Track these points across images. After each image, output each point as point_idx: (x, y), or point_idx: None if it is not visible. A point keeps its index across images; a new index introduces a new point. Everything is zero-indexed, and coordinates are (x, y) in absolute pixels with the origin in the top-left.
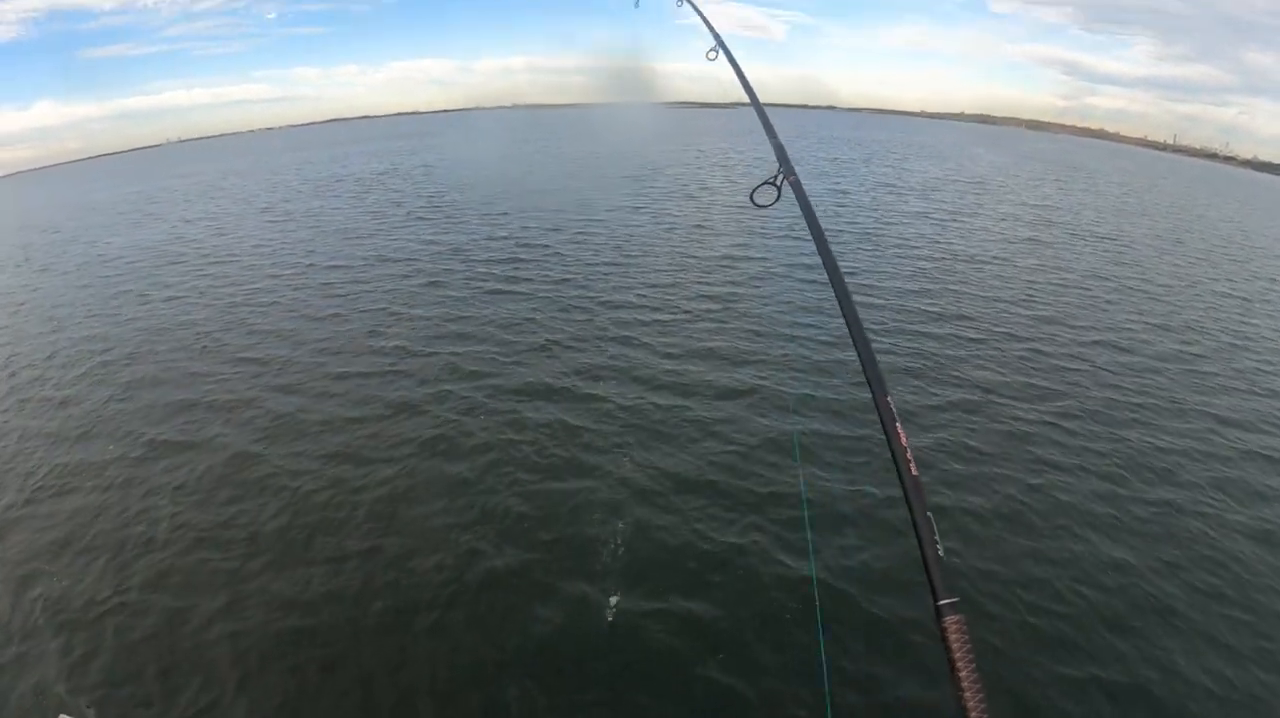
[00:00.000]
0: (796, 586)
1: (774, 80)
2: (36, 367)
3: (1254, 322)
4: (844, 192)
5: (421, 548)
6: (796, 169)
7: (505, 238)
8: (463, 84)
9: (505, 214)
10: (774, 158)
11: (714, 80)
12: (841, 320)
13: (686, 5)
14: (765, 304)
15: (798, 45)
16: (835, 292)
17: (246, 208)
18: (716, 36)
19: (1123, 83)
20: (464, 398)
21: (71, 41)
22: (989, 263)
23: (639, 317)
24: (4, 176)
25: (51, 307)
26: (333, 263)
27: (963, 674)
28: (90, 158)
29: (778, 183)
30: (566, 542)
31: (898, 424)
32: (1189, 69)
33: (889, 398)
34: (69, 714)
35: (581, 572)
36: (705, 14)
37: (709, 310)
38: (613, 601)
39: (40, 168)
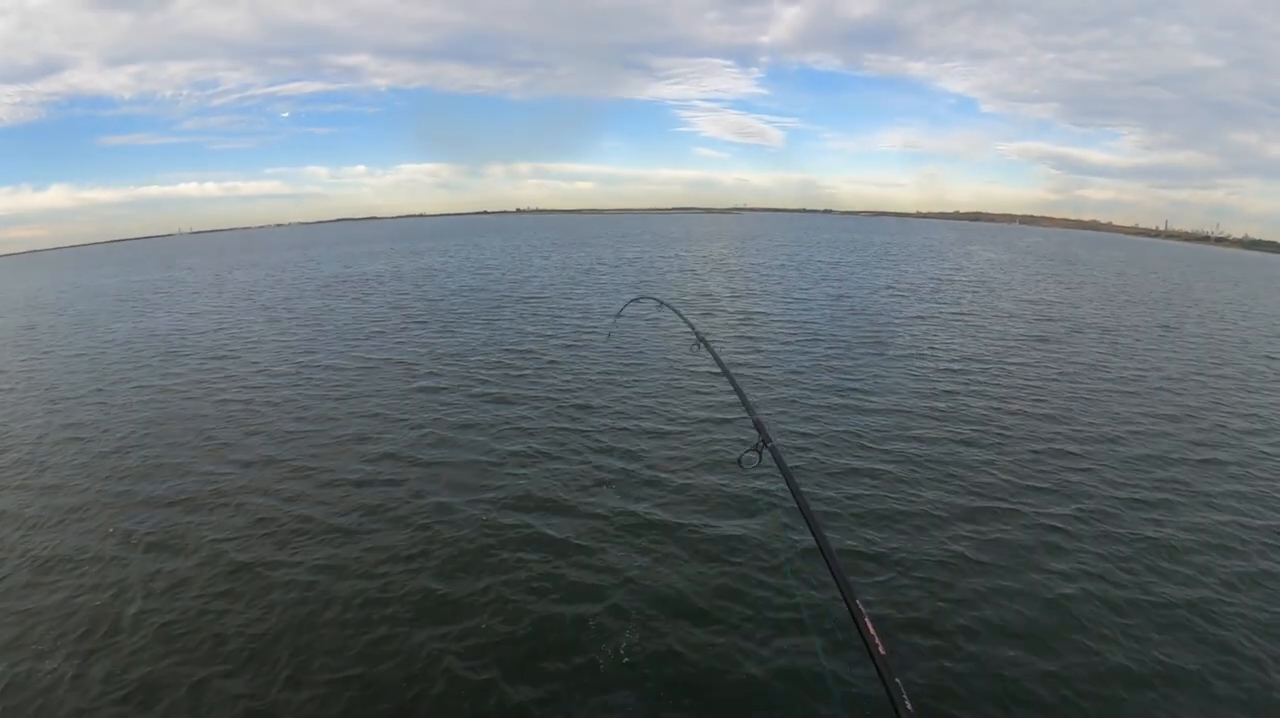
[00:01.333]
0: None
1: (773, 186)
2: (24, 450)
3: (1263, 406)
4: (845, 295)
5: (397, 672)
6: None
7: (503, 345)
8: (470, 188)
9: (506, 319)
10: (754, 430)
11: (709, 184)
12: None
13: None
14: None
15: (795, 150)
16: (814, 535)
17: (251, 303)
18: (697, 334)
19: (1112, 173)
20: (454, 511)
21: (91, 127)
22: (991, 363)
23: (639, 445)
24: (18, 254)
25: (48, 390)
26: (330, 364)
27: None
28: (102, 242)
29: (759, 449)
30: (559, 673)
31: (866, 619)
32: (1177, 155)
33: (858, 600)
34: None
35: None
36: (686, 316)
37: (708, 420)
38: None
39: (53, 248)
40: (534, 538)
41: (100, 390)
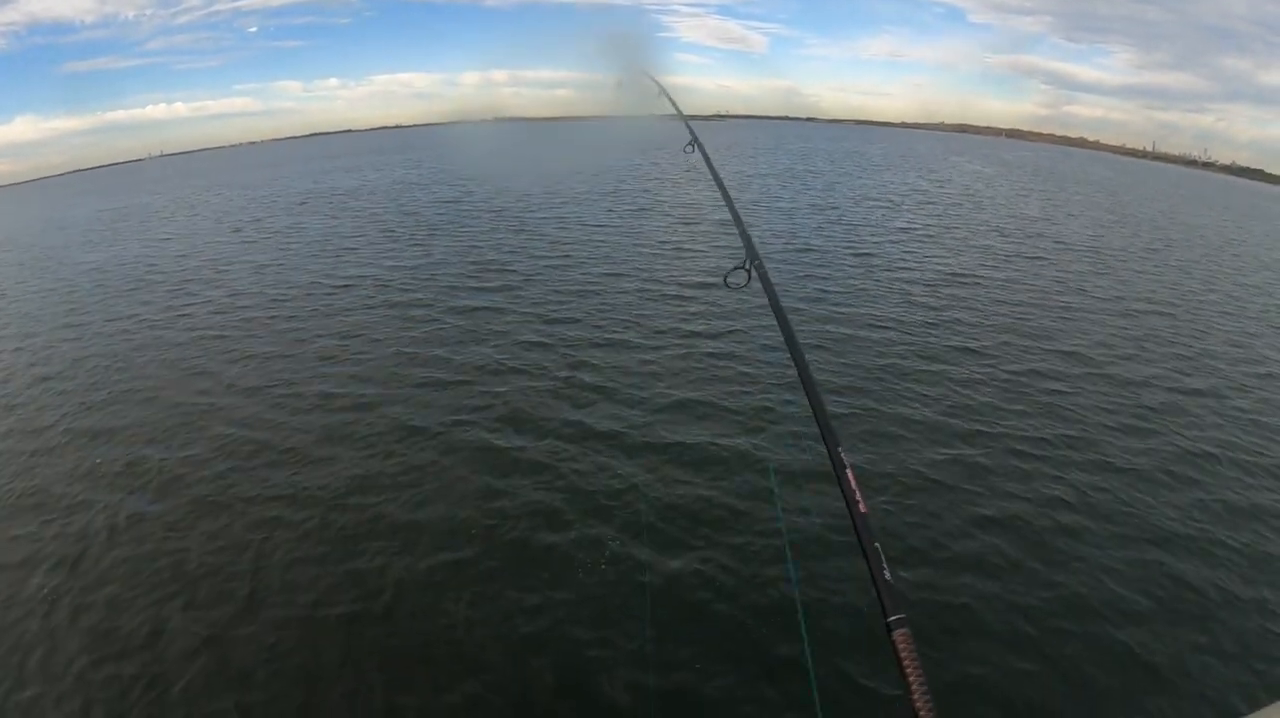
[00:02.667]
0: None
1: (756, 93)
2: None
3: (1250, 335)
4: (834, 207)
5: (368, 608)
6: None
7: (475, 261)
8: (445, 97)
9: (479, 232)
10: (742, 246)
11: (690, 91)
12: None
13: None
14: (746, 339)
15: (778, 57)
16: (795, 363)
17: (219, 226)
18: (693, 134)
19: (1102, 91)
20: (429, 433)
21: (52, 55)
22: (982, 282)
23: (616, 382)
24: None
25: (13, 330)
26: (301, 285)
27: (912, 681)
28: (72, 172)
29: (747, 268)
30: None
31: (848, 470)
32: (1168, 77)
33: (840, 449)
34: None
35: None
36: (684, 113)
37: (688, 344)
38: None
39: (21, 182)
40: (507, 465)
41: (68, 328)
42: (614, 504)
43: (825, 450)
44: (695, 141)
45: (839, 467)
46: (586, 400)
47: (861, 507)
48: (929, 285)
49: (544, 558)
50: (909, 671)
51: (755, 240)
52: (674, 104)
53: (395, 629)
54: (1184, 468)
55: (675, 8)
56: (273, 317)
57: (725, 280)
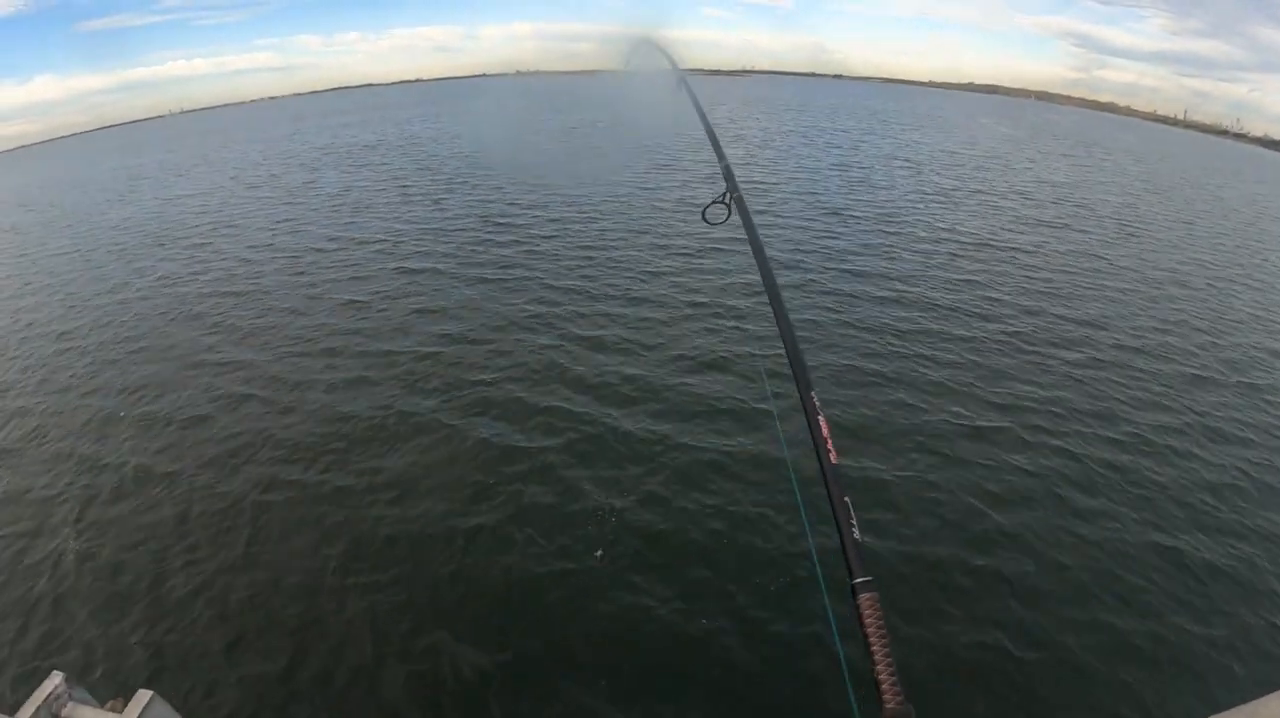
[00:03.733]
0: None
1: (782, 49)
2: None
3: None
4: (853, 166)
5: (370, 603)
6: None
7: (488, 221)
8: (467, 51)
9: (495, 190)
10: (722, 178)
11: (715, 46)
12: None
13: None
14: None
15: (806, 12)
16: (769, 297)
17: (235, 183)
18: (679, 73)
19: (1134, 56)
20: (427, 409)
21: (69, 13)
22: (1004, 249)
23: (629, 337)
24: (9, 151)
25: (28, 296)
26: (315, 245)
27: (875, 648)
28: (93, 130)
29: (726, 201)
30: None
31: (820, 416)
32: (1201, 44)
33: (813, 392)
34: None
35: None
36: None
37: (692, 305)
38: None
39: (43, 142)
40: (506, 430)
41: (86, 286)
42: (616, 476)
43: (798, 394)
44: (683, 83)
45: (810, 411)
46: (594, 374)
47: (833, 456)
48: (952, 255)
49: (547, 527)
50: (872, 637)
51: (779, 199)
52: (668, 56)
53: (391, 587)
54: (1197, 448)
55: None
56: (285, 277)
57: (704, 215)
